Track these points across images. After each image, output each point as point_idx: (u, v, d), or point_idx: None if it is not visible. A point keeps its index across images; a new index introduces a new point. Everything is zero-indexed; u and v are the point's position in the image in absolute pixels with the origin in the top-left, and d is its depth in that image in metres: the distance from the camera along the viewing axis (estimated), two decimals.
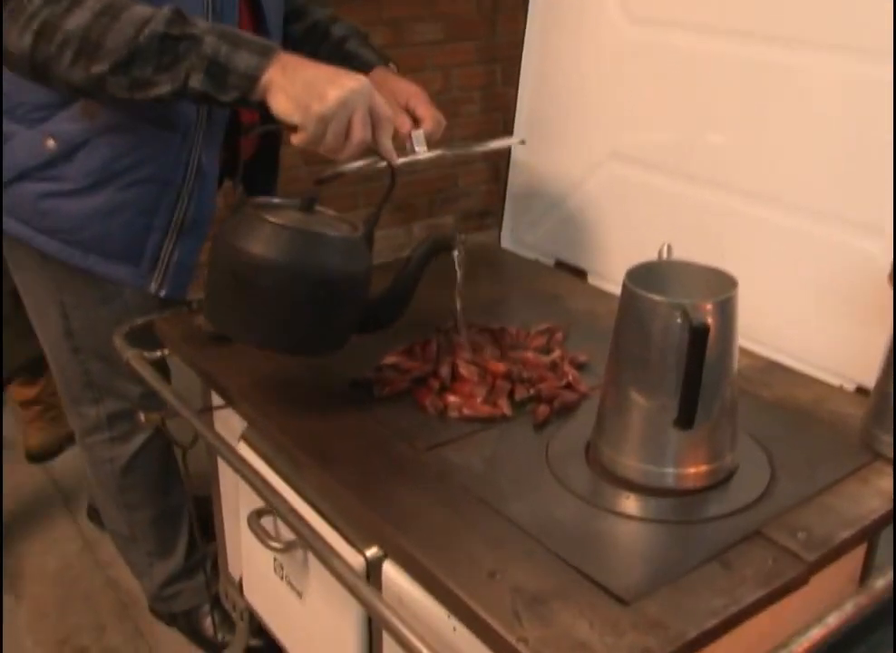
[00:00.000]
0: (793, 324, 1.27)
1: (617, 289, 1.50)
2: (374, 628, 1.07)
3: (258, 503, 1.17)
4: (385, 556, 1.00)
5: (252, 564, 1.32)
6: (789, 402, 1.17)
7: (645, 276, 1.00)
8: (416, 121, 1.34)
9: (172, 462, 1.70)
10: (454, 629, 0.89)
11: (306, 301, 1.06)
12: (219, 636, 1.63)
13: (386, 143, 1.12)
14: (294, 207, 1.11)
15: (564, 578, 0.87)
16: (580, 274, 1.61)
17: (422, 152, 1.32)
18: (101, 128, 1.30)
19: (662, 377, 0.96)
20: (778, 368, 1.25)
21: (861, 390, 1.20)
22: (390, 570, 0.98)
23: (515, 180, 1.70)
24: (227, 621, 1.65)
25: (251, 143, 1.51)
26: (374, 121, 1.10)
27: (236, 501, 1.33)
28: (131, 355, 1.27)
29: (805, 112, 1.24)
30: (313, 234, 1.06)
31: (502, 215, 1.74)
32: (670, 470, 0.99)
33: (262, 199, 1.13)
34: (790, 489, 1.00)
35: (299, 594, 1.18)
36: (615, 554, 0.92)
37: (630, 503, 0.98)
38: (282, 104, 1.08)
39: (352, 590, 0.92)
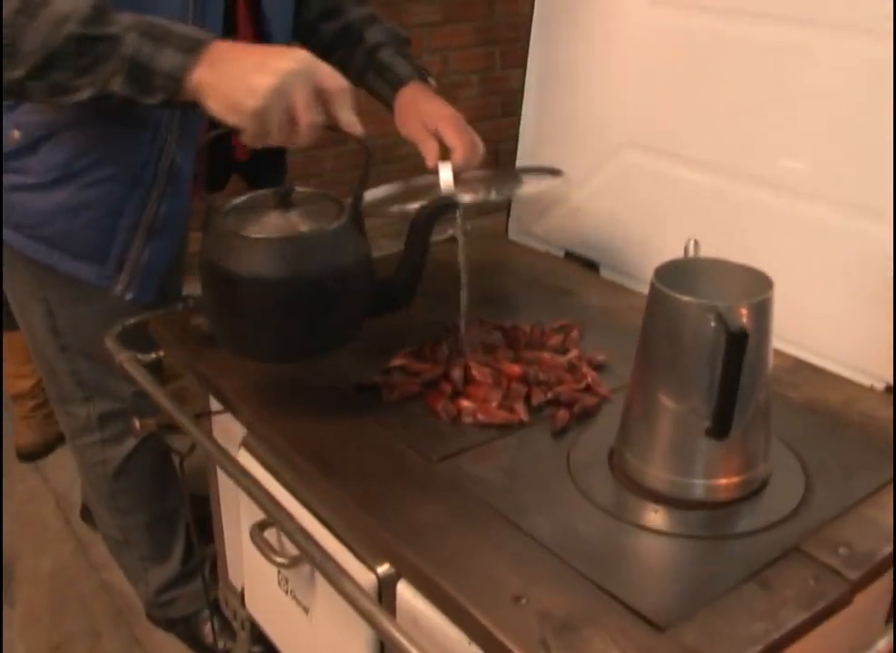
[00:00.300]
0: (820, 320, 1.21)
1: (631, 283, 1.47)
2: (386, 650, 1.01)
3: (261, 514, 1.11)
4: (399, 575, 0.95)
5: (254, 576, 1.26)
6: (819, 403, 1.12)
7: (673, 274, 0.94)
8: (446, 151, 1.23)
9: (168, 465, 1.64)
10: None
11: (303, 308, 0.99)
12: (220, 643, 1.57)
13: (346, 117, 1.00)
14: (268, 203, 1.03)
15: (594, 601, 0.81)
16: (592, 267, 1.54)
17: (446, 189, 1.20)
18: (65, 122, 1.23)
19: (693, 383, 0.90)
20: (806, 367, 1.19)
21: (890, 389, 1.15)
22: (405, 590, 0.92)
23: (524, 165, 1.63)
24: (227, 628, 1.59)
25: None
26: (325, 96, 0.98)
27: (236, 508, 1.27)
28: (124, 357, 1.21)
29: (835, 98, 1.17)
30: (291, 240, 0.99)
31: (510, 205, 1.67)
32: (702, 481, 0.93)
33: (233, 203, 1.05)
34: (827, 500, 0.94)
35: (305, 610, 1.12)
36: (646, 574, 0.86)
37: (659, 517, 0.92)
38: (214, 106, 0.98)
39: (365, 615, 0.86)
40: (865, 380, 1.16)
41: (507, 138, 1.61)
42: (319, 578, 1.07)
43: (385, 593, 0.95)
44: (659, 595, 0.82)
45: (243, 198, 1.06)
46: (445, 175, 1.20)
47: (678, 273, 0.94)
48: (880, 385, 1.15)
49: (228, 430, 1.23)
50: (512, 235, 1.68)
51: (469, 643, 0.84)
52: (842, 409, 1.11)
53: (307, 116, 0.97)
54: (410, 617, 0.90)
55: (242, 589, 1.32)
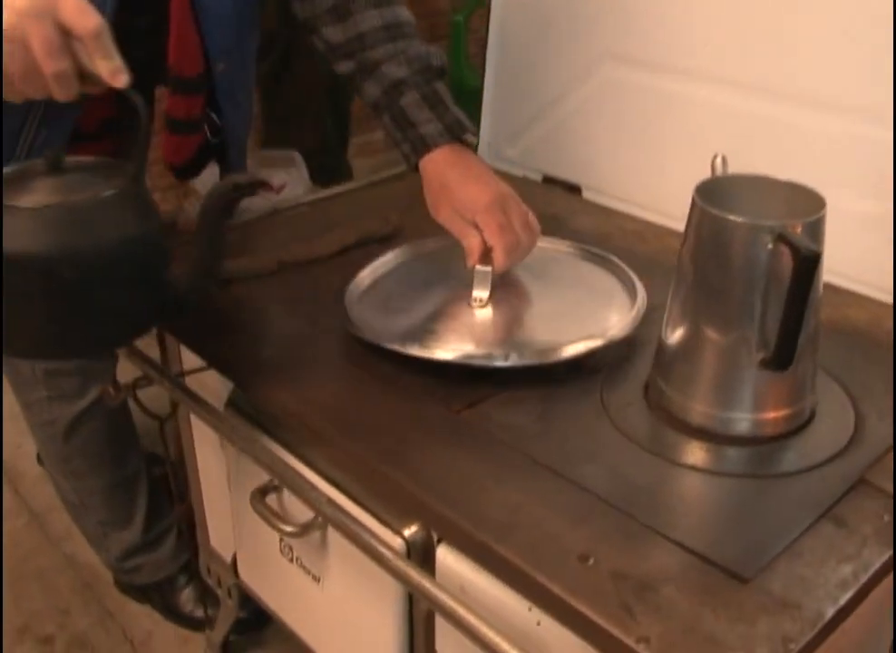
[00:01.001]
0: (831, 235, 1.15)
1: (620, 205, 1.39)
2: (415, 617, 0.94)
3: (254, 477, 1.02)
4: (432, 538, 0.87)
5: (250, 544, 1.16)
6: (845, 324, 1.06)
7: (713, 193, 0.86)
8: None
9: (126, 427, 1.53)
10: (538, 624, 0.77)
11: (40, 293, 0.83)
12: (206, 611, 1.47)
13: (103, 65, 0.79)
14: (38, 171, 0.86)
15: (666, 556, 0.74)
16: (573, 190, 1.46)
17: (477, 304, 1.02)
18: None
19: (745, 310, 0.83)
20: (825, 287, 1.13)
21: None
22: (447, 555, 0.84)
23: (493, 84, 1.53)
24: (205, 595, 1.50)
25: (185, 144, 1.25)
26: (76, 37, 0.79)
27: (221, 471, 1.17)
28: None
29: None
30: (34, 211, 0.82)
31: (478, 126, 1.56)
32: (752, 415, 0.87)
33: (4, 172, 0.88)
34: (881, 427, 0.89)
35: (316, 579, 1.03)
36: (713, 521, 0.80)
37: (711, 457, 0.86)
38: None
39: (412, 584, 0.78)
40: (884, 297, 1.11)
41: (484, 52, 1.46)
42: (332, 544, 0.99)
43: (414, 557, 0.87)
44: (733, 543, 0.76)
45: (13, 167, 0.89)
46: (480, 278, 1.03)
47: (718, 191, 0.86)
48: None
49: (207, 389, 1.12)
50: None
51: (530, 609, 0.77)
52: (870, 329, 1.06)
53: (51, 64, 0.78)
54: (455, 584, 0.82)
55: (234, 559, 1.23)
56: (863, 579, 0.72)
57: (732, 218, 0.81)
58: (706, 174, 0.89)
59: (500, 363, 0.93)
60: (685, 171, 1.28)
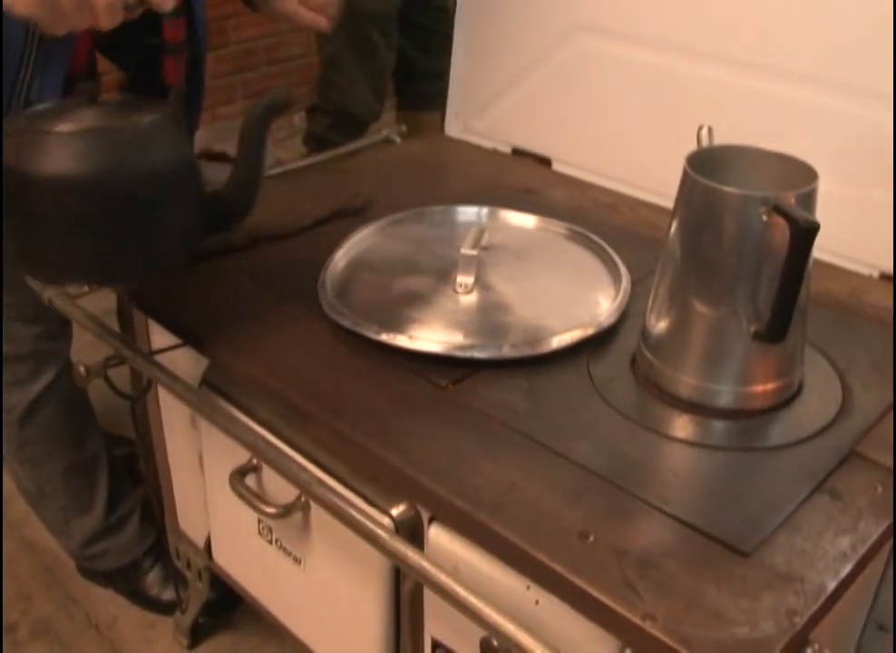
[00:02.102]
0: None
1: (591, 177, 1.38)
2: (402, 597, 0.92)
3: (229, 458, 0.99)
4: (421, 517, 0.85)
5: (225, 526, 1.13)
6: (827, 297, 1.06)
7: (701, 164, 0.84)
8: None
9: (81, 408, 1.48)
10: (537, 602, 0.75)
11: (104, 214, 0.87)
12: (178, 594, 1.44)
13: None
14: (79, 104, 0.91)
15: (665, 531, 0.74)
16: (543, 162, 1.44)
17: (462, 289, 1.02)
18: None
19: (738, 283, 0.82)
20: None
21: (885, 277, 1.11)
22: (439, 535, 0.82)
23: (460, 56, 1.50)
24: (172, 577, 1.47)
25: (179, 67, 1.23)
26: None
27: (189, 452, 1.14)
28: (52, 294, 1.04)
29: None
30: (87, 133, 0.86)
31: (446, 99, 1.54)
32: (742, 388, 0.86)
33: (39, 108, 0.94)
34: (868, 398, 0.89)
35: (297, 561, 1.01)
36: (710, 495, 0.79)
37: (704, 430, 0.85)
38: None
39: (407, 562, 0.76)
40: (863, 269, 1.12)
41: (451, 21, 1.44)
42: (315, 525, 0.97)
43: (402, 537, 0.85)
44: (731, 517, 0.75)
45: (45, 106, 0.94)
46: (465, 270, 1.02)
47: (708, 162, 0.85)
48: (874, 273, 1.11)
49: (178, 369, 1.08)
50: (450, 132, 1.54)
51: (528, 588, 0.75)
52: (852, 301, 1.06)
53: None
54: (449, 563, 0.80)
55: (208, 541, 1.20)
56: (862, 551, 0.72)
57: (726, 189, 0.80)
58: (676, 146, 0.87)
59: (491, 354, 0.92)
60: (656, 143, 1.28)
